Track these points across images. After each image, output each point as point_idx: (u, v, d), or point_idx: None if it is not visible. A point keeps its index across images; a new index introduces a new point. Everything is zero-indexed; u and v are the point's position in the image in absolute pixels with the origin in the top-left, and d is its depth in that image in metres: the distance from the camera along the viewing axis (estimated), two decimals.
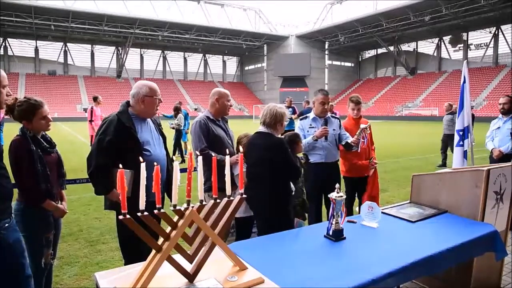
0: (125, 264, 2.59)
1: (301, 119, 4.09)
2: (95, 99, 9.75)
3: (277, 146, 2.85)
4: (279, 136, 3.01)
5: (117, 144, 2.46)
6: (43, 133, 2.47)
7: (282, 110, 2.96)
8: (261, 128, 2.98)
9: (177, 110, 10.49)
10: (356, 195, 4.34)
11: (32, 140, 2.32)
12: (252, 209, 3.04)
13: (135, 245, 2.54)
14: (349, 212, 4.08)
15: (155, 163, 1.42)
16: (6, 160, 2.10)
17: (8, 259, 1.97)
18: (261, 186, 2.85)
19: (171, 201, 1.38)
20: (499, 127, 4.74)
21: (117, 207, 2.56)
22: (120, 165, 1.34)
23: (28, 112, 2.33)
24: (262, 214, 2.94)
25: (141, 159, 1.41)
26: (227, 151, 1.65)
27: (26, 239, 2.39)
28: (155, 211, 1.36)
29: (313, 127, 3.88)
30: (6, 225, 1.97)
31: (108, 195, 2.55)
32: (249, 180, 2.97)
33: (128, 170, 2.43)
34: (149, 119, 2.74)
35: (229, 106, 3.35)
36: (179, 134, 10.37)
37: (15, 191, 2.34)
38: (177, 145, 10.49)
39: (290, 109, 10.56)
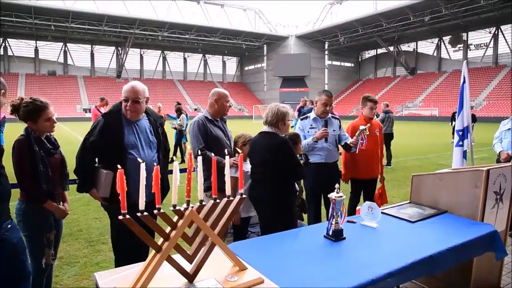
0: (115, 265, 2.61)
1: (301, 119, 4.08)
2: (102, 100, 9.92)
3: (282, 145, 2.85)
4: (284, 135, 3.01)
5: (100, 144, 2.49)
6: (48, 134, 2.48)
7: (284, 109, 2.95)
8: (265, 128, 2.98)
9: (179, 110, 10.48)
10: (363, 197, 4.27)
11: (35, 140, 2.33)
12: (256, 209, 3.03)
13: (126, 245, 2.57)
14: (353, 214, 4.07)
15: (154, 164, 1.42)
16: (7, 160, 2.12)
17: (13, 259, 2.03)
18: (265, 186, 2.85)
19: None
20: (509, 129, 4.48)
21: (106, 208, 2.62)
22: (119, 166, 1.34)
23: (33, 113, 2.34)
24: (266, 214, 2.93)
25: (140, 160, 1.40)
26: (226, 152, 1.65)
27: (27, 238, 2.41)
28: (155, 211, 1.36)
29: (313, 128, 3.87)
30: (9, 226, 2.01)
31: (88, 193, 2.61)
32: (253, 180, 2.97)
33: (106, 171, 2.46)
34: (144, 120, 2.69)
35: (228, 107, 3.34)
36: (180, 134, 10.36)
37: (17, 190, 2.35)
38: (178, 146, 10.48)
39: (305, 109, 10.42)
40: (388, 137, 9.52)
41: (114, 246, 2.72)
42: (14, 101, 2.36)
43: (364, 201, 4.21)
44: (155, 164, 1.42)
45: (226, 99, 3.30)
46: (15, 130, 2.51)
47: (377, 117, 9.53)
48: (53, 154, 2.44)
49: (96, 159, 2.64)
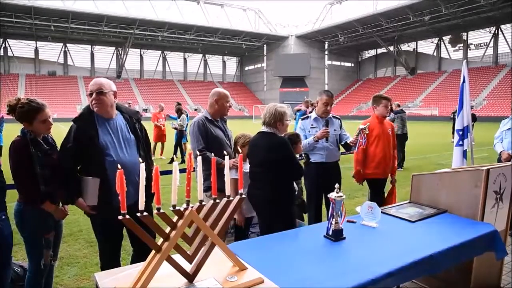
0: (101, 268, 2.60)
1: (302, 119, 4.09)
2: None
3: (280, 145, 2.84)
4: (283, 135, 3.01)
5: (77, 149, 2.40)
6: (45, 134, 2.47)
7: (282, 109, 2.95)
8: (263, 128, 2.98)
9: (180, 111, 10.49)
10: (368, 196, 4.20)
11: (32, 141, 2.31)
12: (255, 209, 3.03)
13: (112, 252, 2.56)
14: None
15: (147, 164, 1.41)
16: (5, 161, 2.12)
17: (1, 251, 2.09)
18: (265, 186, 2.85)
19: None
20: (509, 128, 4.45)
21: (91, 217, 2.55)
22: (119, 166, 1.33)
23: (28, 115, 2.32)
24: (265, 214, 2.93)
25: (140, 159, 1.40)
26: (225, 152, 1.65)
27: (25, 239, 2.41)
28: (155, 212, 1.36)
29: (314, 127, 3.88)
30: (3, 217, 2.11)
31: (73, 204, 2.46)
32: (252, 180, 2.97)
33: (92, 178, 2.39)
34: (118, 118, 2.57)
35: (228, 107, 3.33)
36: (180, 134, 10.37)
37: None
38: (178, 146, 10.49)
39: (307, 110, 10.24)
40: (401, 138, 9.31)
41: (101, 252, 2.65)
42: (10, 101, 2.33)
43: (371, 200, 4.20)
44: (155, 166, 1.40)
45: (227, 100, 3.30)
46: (14, 129, 2.50)
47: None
48: (51, 154, 2.42)
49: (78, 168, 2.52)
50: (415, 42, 52.95)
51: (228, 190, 1.54)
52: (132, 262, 2.73)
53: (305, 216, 3.93)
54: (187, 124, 10.30)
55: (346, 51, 58.16)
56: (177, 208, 1.41)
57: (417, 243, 2.09)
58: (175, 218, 1.45)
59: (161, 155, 10.96)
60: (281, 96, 49.95)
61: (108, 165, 2.36)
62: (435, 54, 51.06)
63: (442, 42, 50.31)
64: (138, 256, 2.62)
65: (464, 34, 47.22)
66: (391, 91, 50.83)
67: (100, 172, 2.37)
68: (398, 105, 9.97)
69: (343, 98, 55.93)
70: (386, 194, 4.24)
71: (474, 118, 11.94)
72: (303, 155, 3.97)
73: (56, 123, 2.51)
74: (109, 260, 2.55)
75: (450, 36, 48.73)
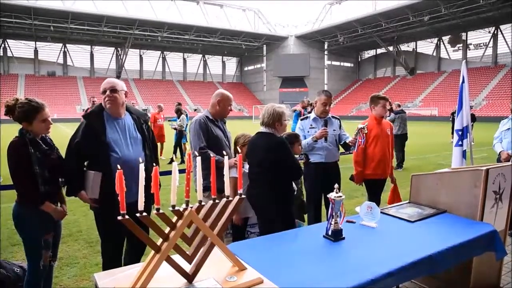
0: (103, 266, 2.61)
1: (301, 119, 4.08)
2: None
3: (279, 146, 2.84)
4: (281, 135, 3.01)
5: (84, 146, 2.46)
6: (43, 135, 2.46)
7: (280, 109, 2.95)
8: (262, 128, 2.98)
9: (179, 111, 10.49)
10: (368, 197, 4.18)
11: (30, 142, 2.31)
12: (254, 209, 3.03)
13: (114, 248, 2.56)
14: None
15: (140, 160, 1.39)
16: (3, 162, 2.11)
17: None
18: (263, 186, 2.85)
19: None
20: (509, 128, 4.46)
21: (94, 209, 2.57)
22: (118, 166, 1.33)
23: (28, 114, 2.31)
24: (264, 215, 2.93)
25: (140, 159, 1.40)
26: (225, 152, 1.65)
27: (24, 240, 2.40)
28: (154, 212, 1.36)
29: (313, 128, 3.88)
30: None
31: (77, 197, 2.52)
32: (251, 181, 2.97)
33: (94, 172, 2.43)
34: (127, 117, 2.64)
35: (229, 110, 3.32)
36: (180, 135, 10.37)
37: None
38: (178, 146, 10.48)
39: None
40: (401, 138, 9.24)
41: (103, 250, 2.66)
42: (8, 102, 2.33)
43: (370, 201, 4.19)
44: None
45: (229, 102, 3.28)
46: (12, 130, 2.49)
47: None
48: (50, 155, 2.41)
49: (85, 163, 2.58)
50: (414, 42, 52.98)
51: (227, 190, 1.54)
52: (125, 261, 2.73)
53: (305, 216, 3.93)
54: (186, 124, 10.29)
55: (346, 51, 58.15)
56: (176, 208, 1.41)
57: (417, 243, 2.09)
58: (174, 219, 1.45)
59: (160, 155, 10.96)
60: (281, 96, 49.98)
61: (114, 162, 2.40)
62: (434, 54, 51.09)
63: (441, 42, 50.34)
64: (132, 256, 2.64)
65: (464, 34, 47.25)
66: (391, 91, 50.85)
67: (106, 168, 2.41)
68: (399, 105, 9.96)
69: (342, 98, 55.94)
70: (388, 194, 4.21)
71: (473, 118, 11.93)
72: (301, 155, 3.97)
73: (56, 123, 2.52)
74: (111, 260, 2.55)
75: (449, 36, 48.75)
